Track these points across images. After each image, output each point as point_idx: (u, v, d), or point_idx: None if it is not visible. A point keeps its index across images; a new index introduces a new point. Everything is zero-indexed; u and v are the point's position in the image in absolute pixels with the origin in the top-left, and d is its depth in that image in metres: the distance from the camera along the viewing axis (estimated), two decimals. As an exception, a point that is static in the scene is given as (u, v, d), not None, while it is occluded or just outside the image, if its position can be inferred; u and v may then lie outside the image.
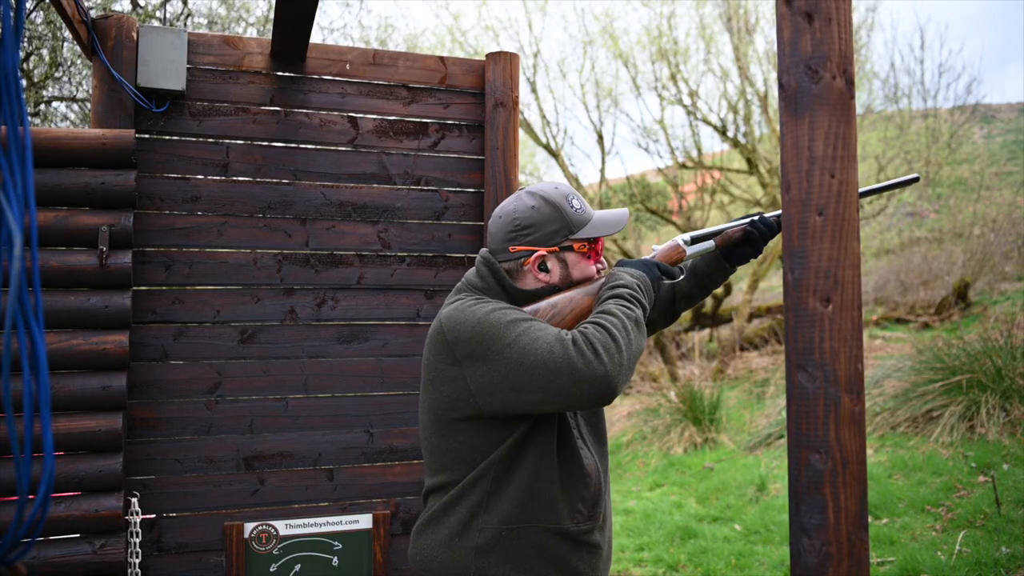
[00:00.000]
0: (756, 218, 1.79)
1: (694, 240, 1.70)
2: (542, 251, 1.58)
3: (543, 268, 1.59)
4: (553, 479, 1.52)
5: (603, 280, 1.62)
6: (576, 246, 1.59)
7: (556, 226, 1.58)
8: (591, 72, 11.68)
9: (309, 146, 2.87)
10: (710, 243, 1.71)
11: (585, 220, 1.60)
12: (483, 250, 1.65)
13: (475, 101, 3.07)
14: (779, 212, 1.76)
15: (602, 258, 1.66)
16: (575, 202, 1.60)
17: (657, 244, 1.76)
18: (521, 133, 10.44)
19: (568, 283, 1.60)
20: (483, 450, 1.51)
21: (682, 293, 1.92)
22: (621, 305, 1.50)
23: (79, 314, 2.46)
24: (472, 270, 1.66)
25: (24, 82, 6.62)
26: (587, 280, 1.61)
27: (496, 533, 1.49)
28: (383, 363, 2.89)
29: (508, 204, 1.63)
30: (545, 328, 1.45)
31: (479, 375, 1.46)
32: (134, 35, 2.62)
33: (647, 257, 1.70)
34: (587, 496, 1.56)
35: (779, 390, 8.02)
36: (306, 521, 2.73)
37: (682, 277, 1.73)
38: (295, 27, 2.59)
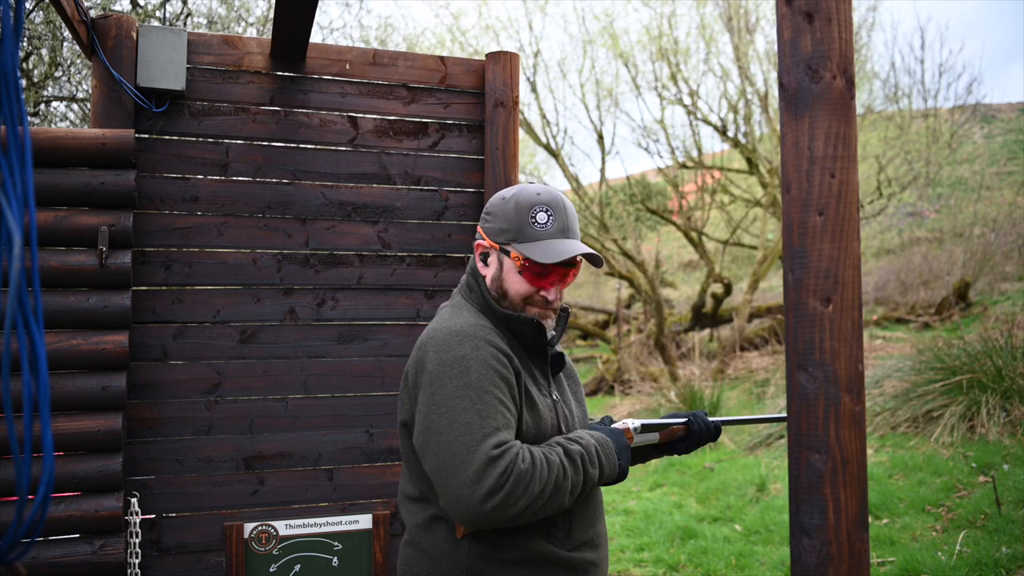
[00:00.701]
0: (693, 416, 1.78)
1: (645, 428, 1.72)
2: (485, 242, 1.58)
3: (484, 259, 1.60)
4: None
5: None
6: (512, 255, 1.53)
7: (504, 226, 1.55)
8: (591, 72, 11.70)
9: (309, 146, 2.87)
10: (655, 435, 1.75)
11: (532, 236, 1.52)
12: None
13: (475, 101, 3.07)
14: (722, 420, 1.83)
15: (559, 293, 1.57)
16: (541, 216, 1.53)
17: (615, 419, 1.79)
18: (521, 133, 10.44)
19: (499, 287, 1.56)
20: None
21: None
22: (563, 467, 1.42)
23: (79, 314, 2.46)
24: (463, 278, 1.66)
25: (24, 82, 6.62)
26: (516, 296, 1.55)
27: (484, 554, 1.48)
28: (383, 363, 2.89)
29: (505, 189, 1.65)
30: (490, 418, 1.38)
31: (418, 412, 1.47)
32: (134, 35, 2.62)
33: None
34: (555, 518, 1.52)
35: (779, 390, 8.02)
36: (306, 521, 2.72)
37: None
38: (295, 27, 2.59)
